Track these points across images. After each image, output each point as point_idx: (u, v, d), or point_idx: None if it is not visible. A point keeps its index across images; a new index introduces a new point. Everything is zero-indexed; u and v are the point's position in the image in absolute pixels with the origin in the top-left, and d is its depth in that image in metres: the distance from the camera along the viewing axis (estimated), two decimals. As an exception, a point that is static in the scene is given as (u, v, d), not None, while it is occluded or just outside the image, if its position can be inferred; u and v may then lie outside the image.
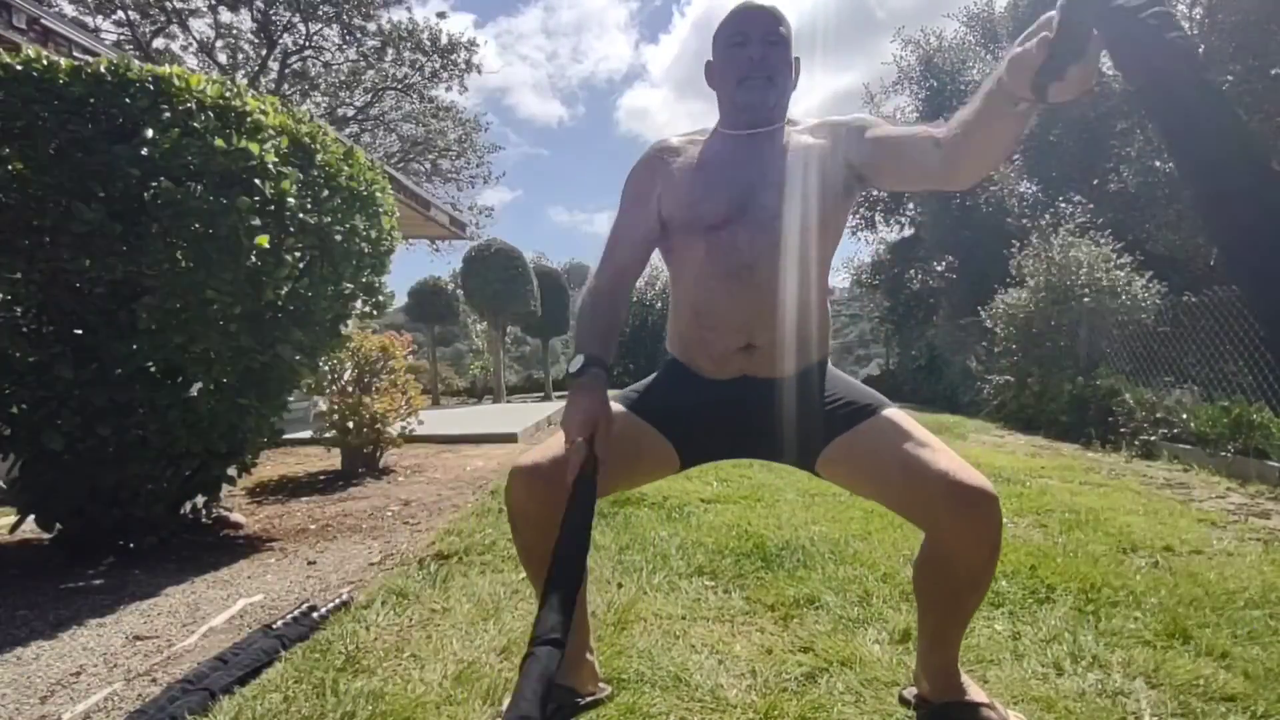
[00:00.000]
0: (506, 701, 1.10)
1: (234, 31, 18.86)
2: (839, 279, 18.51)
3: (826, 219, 1.40)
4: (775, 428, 1.41)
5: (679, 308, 1.50)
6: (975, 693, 1.40)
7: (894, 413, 1.37)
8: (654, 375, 1.55)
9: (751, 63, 1.40)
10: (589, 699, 1.50)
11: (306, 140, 2.87)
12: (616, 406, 1.43)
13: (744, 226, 1.37)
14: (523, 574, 2.36)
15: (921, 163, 1.25)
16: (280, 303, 2.78)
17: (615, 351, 1.40)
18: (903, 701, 1.49)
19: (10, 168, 2.38)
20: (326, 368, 4.31)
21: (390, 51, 19.94)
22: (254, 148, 2.53)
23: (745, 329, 1.39)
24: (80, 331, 2.57)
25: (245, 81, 15.99)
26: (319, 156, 2.90)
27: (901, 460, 1.26)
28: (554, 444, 1.36)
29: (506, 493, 1.36)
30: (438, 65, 20.52)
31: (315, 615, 1.98)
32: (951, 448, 1.28)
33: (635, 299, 18.13)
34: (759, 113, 1.42)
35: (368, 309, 3.34)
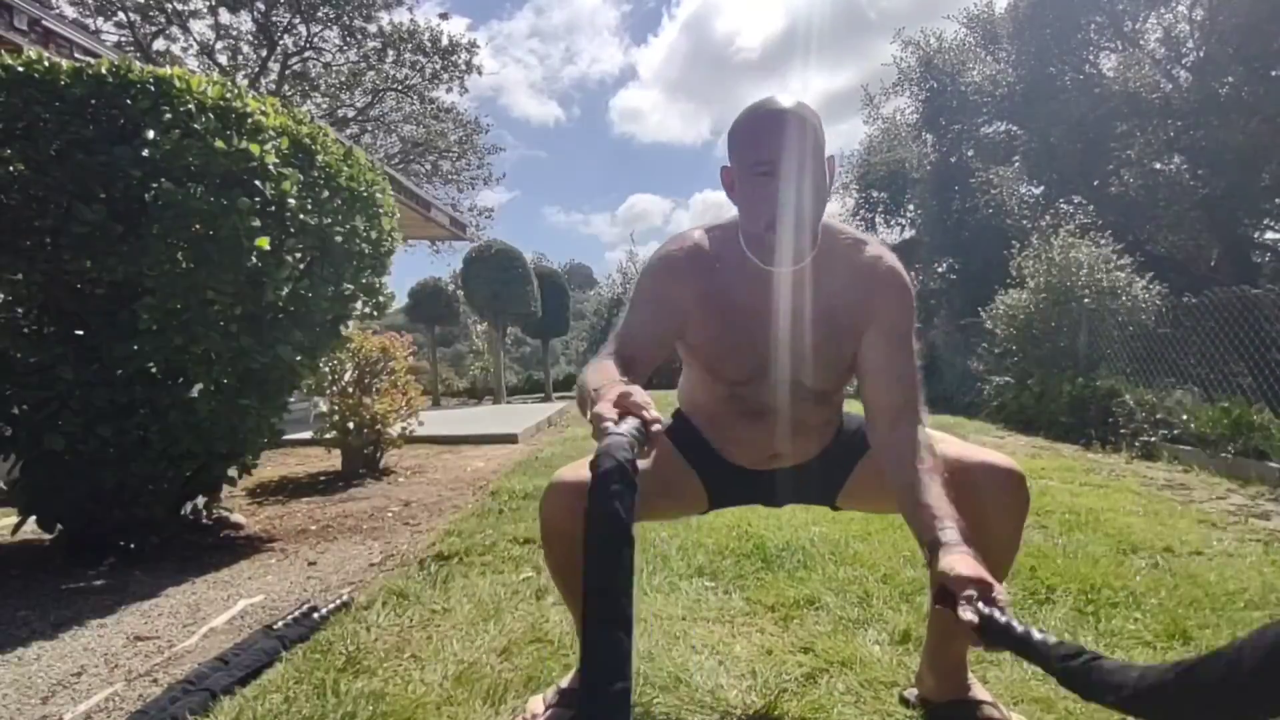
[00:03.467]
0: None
1: (234, 33, 18.89)
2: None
3: (844, 375, 1.40)
4: (799, 487, 1.50)
5: (701, 407, 1.48)
6: (979, 691, 1.41)
7: None
8: (679, 421, 1.52)
9: (780, 206, 1.22)
10: None
11: (307, 141, 2.87)
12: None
13: (765, 385, 1.35)
14: (523, 575, 2.37)
15: (865, 399, 1.32)
16: (281, 303, 2.78)
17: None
18: (903, 702, 1.49)
19: (12, 168, 2.39)
20: (327, 368, 4.32)
21: (391, 53, 19.96)
22: (255, 149, 2.54)
23: (771, 447, 1.43)
24: (81, 332, 2.58)
25: (246, 83, 16.02)
26: (319, 157, 2.91)
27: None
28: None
29: (542, 507, 1.33)
30: (438, 66, 20.53)
31: (316, 616, 1.98)
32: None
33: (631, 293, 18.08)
34: (788, 260, 1.29)
35: (368, 310, 3.34)
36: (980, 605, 0.90)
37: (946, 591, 0.97)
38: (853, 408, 1.51)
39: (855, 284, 1.31)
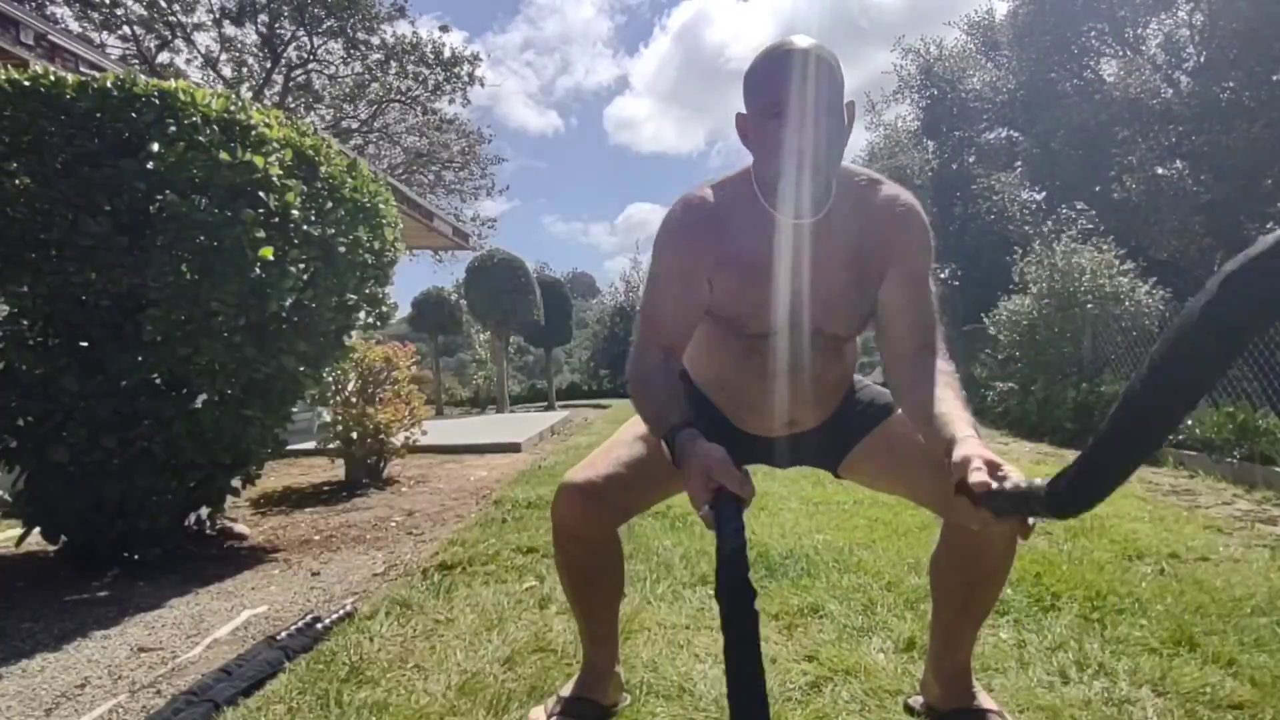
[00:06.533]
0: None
1: (238, 45, 19.03)
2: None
3: (865, 319, 1.37)
4: (807, 449, 1.46)
5: (712, 373, 1.44)
6: (984, 700, 1.40)
7: None
8: (688, 391, 1.48)
9: (798, 150, 1.17)
10: (612, 708, 1.50)
11: (310, 153, 2.89)
12: None
13: (785, 338, 1.31)
14: (526, 584, 2.36)
15: (886, 341, 1.31)
16: (284, 314, 2.79)
17: (689, 409, 1.20)
18: (908, 710, 1.49)
19: (18, 182, 2.40)
20: (330, 378, 4.32)
21: (394, 64, 20.07)
22: (259, 161, 2.55)
23: (786, 414, 1.39)
24: (86, 344, 2.59)
25: (250, 95, 16.12)
26: (323, 169, 2.92)
27: (926, 453, 1.26)
28: (604, 459, 1.35)
29: (553, 510, 1.34)
30: (441, 78, 20.65)
31: (319, 626, 1.98)
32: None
33: (634, 301, 18.14)
34: (806, 207, 1.24)
35: (371, 320, 3.35)
36: (984, 475, 0.92)
37: (962, 481, 0.97)
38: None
39: (874, 225, 1.27)
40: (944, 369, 1.21)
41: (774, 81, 1.18)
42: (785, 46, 1.19)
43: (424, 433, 4.91)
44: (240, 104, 2.71)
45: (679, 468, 1.09)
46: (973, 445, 0.99)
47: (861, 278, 1.29)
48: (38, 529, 2.64)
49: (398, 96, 20.73)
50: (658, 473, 1.30)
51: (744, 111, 1.25)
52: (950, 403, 1.13)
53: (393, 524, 3.47)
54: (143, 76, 2.61)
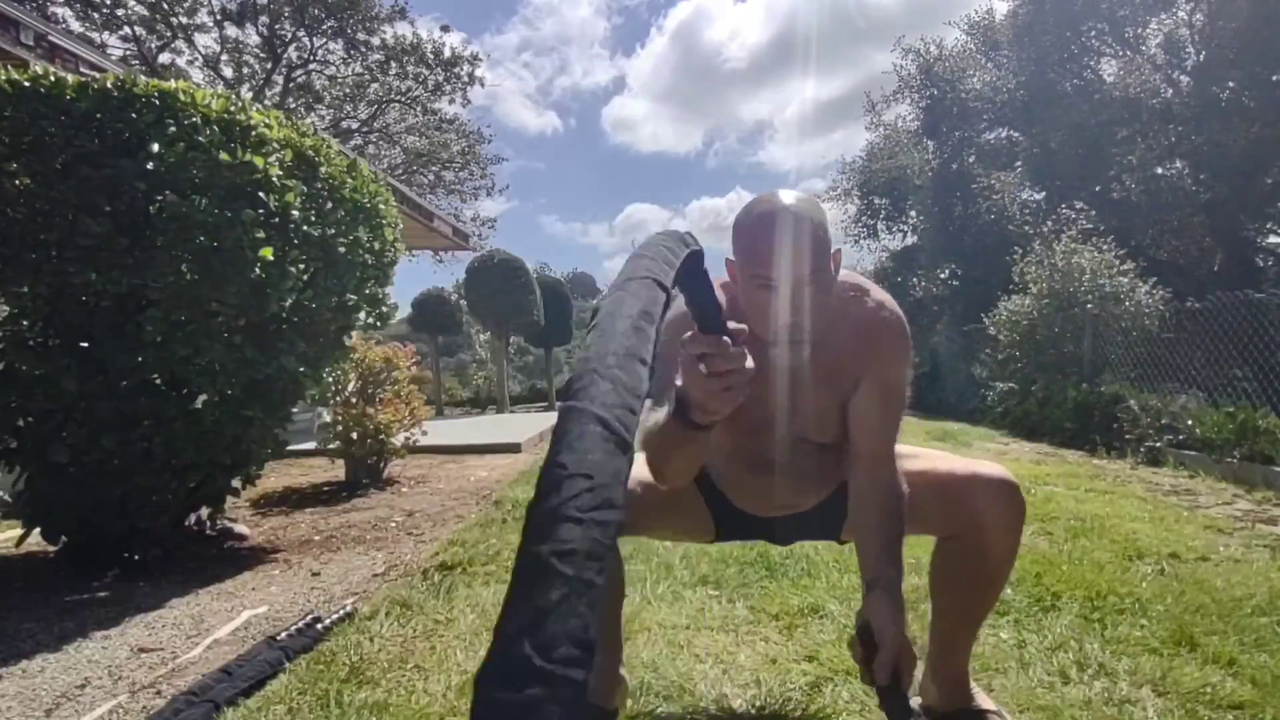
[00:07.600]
0: None
1: (239, 46, 19.02)
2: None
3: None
4: (808, 527, 1.49)
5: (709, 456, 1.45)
6: (983, 701, 1.41)
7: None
8: None
9: (779, 319, 1.18)
10: (615, 713, 1.50)
11: (310, 153, 2.89)
12: None
13: (770, 440, 1.33)
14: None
15: (849, 436, 1.31)
16: (284, 314, 2.80)
17: None
18: (908, 711, 1.49)
19: (18, 182, 2.40)
20: (330, 379, 4.32)
21: (394, 65, 20.07)
22: (259, 161, 2.55)
23: (777, 498, 1.41)
24: (86, 344, 2.59)
25: (250, 95, 16.11)
26: (323, 169, 2.92)
27: (925, 483, 1.30)
28: None
29: None
30: (440, 78, 20.64)
31: (319, 626, 1.98)
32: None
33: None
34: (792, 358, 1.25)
35: (371, 320, 3.35)
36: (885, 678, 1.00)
37: (868, 632, 1.05)
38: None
39: (857, 337, 1.28)
40: (884, 487, 1.22)
41: (762, 254, 1.16)
42: (772, 212, 1.17)
43: (424, 433, 4.91)
44: (240, 104, 2.71)
45: (689, 419, 1.01)
46: (880, 617, 1.05)
47: (840, 389, 1.30)
48: (38, 529, 2.64)
49: (398, 97, 20.71)
50: (652, 497, 1.33)
51: (732, 259, 1.23)
52: (884, 538, 1.17)
53: (393, 524, 3.48)
54: (143, 77, 2.61)
